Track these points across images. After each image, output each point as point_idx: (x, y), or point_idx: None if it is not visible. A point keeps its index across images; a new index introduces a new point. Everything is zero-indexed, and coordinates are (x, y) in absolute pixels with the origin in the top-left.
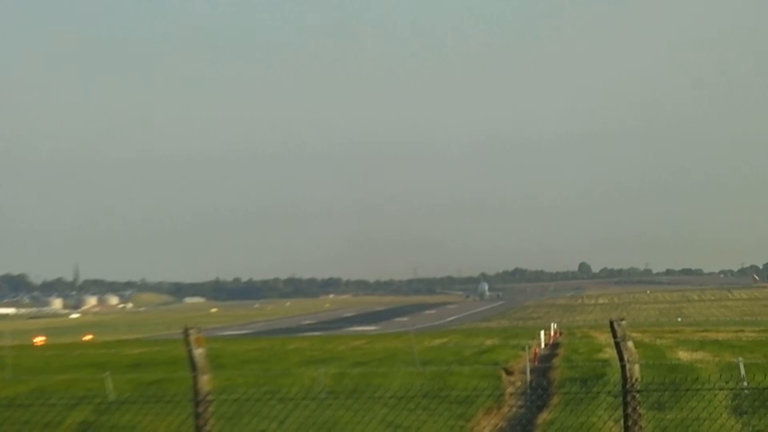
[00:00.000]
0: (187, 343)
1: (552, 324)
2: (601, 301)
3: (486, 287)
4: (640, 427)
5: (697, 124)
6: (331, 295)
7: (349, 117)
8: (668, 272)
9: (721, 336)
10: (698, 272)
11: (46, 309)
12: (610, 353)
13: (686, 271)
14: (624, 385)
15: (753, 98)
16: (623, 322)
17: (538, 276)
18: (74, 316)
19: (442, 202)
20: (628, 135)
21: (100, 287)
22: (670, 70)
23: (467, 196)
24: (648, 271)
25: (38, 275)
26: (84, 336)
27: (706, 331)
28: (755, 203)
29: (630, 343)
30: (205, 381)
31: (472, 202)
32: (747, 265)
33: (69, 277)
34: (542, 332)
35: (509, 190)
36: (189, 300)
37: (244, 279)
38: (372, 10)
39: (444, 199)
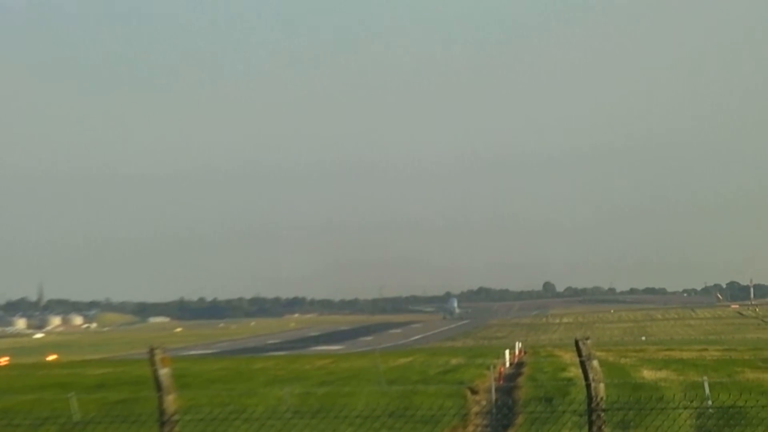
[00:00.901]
0: (152, 363)
1: (517, 343)
2: (565, 320)
3: (456, 304)
4: None
5: (662, 148)
6: (296, 315)
7: (314, 137)
8: (632, 291)
9: (685, 355)
10: (662, 291)
11: (9, 329)
12: (575, 372)
13: (650, 291)
14: (589, 404)
15: (724, 123)
16: (588, 341)
17: (503, 295)
18: (38, 336)
19: (407, 222)
20: (594, 157)
21: (65, 307)
22: (631, 96)
23: (432, 216)
24: (612, 291)
25: (2, 295)
26: (48, 356)
27: (669, 350)
28: (718, 223)
29: (595, 362)
30: (171, 401)
31: (437, 222)
32: (710, 284)
33: (33, 297)
34: (507, 351)
35: (474, 210)
36: (153, 320)
37: (209, 299)
38: (352, 28)
39: (409, 218)
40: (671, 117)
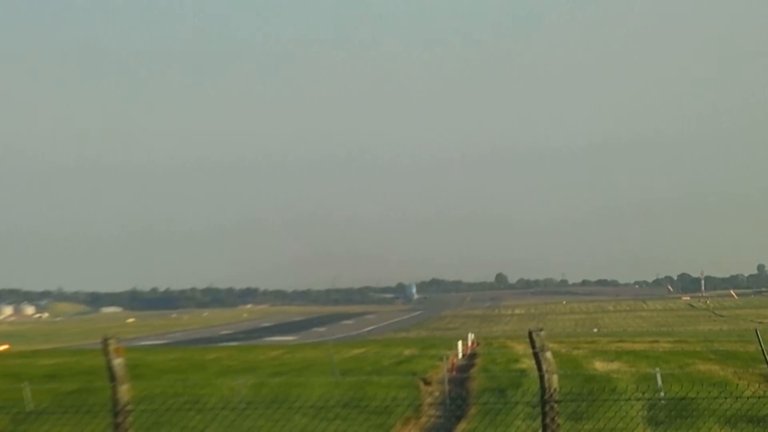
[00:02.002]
0: (106, 353)
1: (469, 334)
2: (517, 311)
3: (414, 290)
4: None
5: (613, 141)
6: (249, 305)
7: (274, 132)
8: (584, 283)
9: (636, 346)
10: (614, 283)
11: None
12: (528, 363)
13: (602, 282)
14: (542, 396)
15: (682, 121)
16: (542, 333)
17: (456, 286)
18: None
19: (361, 215)
20: (549, 154)
21: (16, 297)
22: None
23: (386, 210)
24: (564, 282)
25: None
26: None
27: (621, 341)
28: (670, 217)
29: (548, 354)
30: (125, 391)
31: (391, 216)
32: (662, 276)
33: None
34: (460, 342)
35: (426, 202)
36: (106, 310)
37: (162, 289)
38: (345, 22)
39: (363, 212)
40: (631, 115)
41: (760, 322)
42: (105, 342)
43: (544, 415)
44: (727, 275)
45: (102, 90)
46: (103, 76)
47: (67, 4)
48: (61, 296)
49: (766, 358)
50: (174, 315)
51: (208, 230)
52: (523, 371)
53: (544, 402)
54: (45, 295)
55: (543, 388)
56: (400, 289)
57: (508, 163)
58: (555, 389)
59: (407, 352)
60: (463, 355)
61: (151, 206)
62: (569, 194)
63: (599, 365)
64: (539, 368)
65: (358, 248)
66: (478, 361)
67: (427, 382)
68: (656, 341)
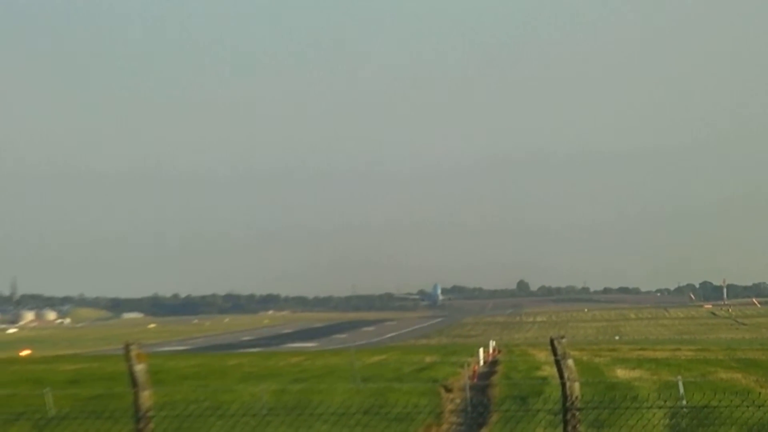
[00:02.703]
0: (128, 358)
1: (491, 341)
2: (539, 318)
3: (439, 291)
4: None
5: (636, 148)
6: (270, 312)
7: (292, 140)
8: (606, 291)
9: (658, 354)
10: (635, 291)
11: None
12: (549, 371)
13: (623, 290)
14: (564, 403)
15: (700, 129)
16: (563, 340)
17: (476, 293)
18: (11, 331)
19: (382, 222)
20: (571, 160)
21: (38, 302)
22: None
23: (406, 217)
24: (585, 290)
25: None
26: (21, 351)
27: (643, 349)
28: (692, 224)
29: (570, 361)
30: (146, 397)
31: (411, 222)
32: (684, 284)
33: (6, 292)
34: (481, 350)
35: (449, 211)
36: (127, 315)
37: (183, 294)
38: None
39: (384, 218)
40: (641, 124)
41: None
42: (127, 348)
43: (565, 422)
44: (750, 283)
45: (112, 93)
46: (111, 76)
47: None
48: (82, 302)
49: None
50: (195, 321)
51: (229, 237)
52: (544, 379)
53: (565, 410)
54: (67, 300)
55: (565, 396)
56: (422, 296)
57: (530, 169)
58: (577, 397)
59: (428, 358)
60: (485, 363)
61: (173, 212)
62: (592, 201)
63: (621, 373)
64: (561, 376)
65: (379, 255)
66: (500, 368)
67: (448, 389)
68: (678, 349)
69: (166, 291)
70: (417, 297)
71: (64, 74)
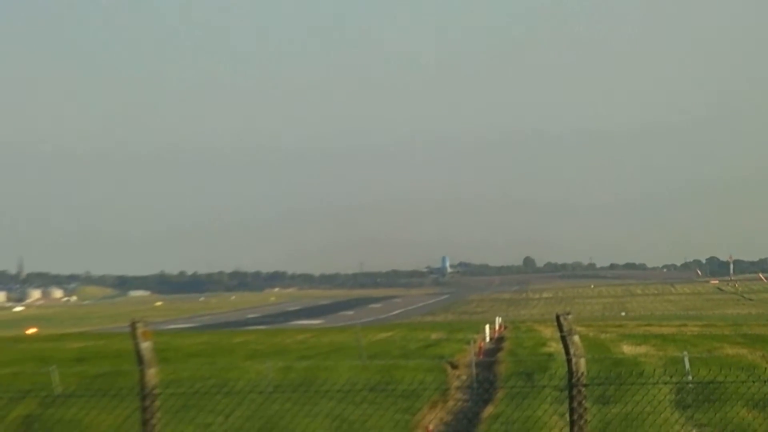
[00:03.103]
0: (134, 336)
1: (497, 318)
2: (545, 295)
3: (448, 263)
4: (586, 421)
5: (645, 127)
6: (276, 289)
7: (299, 121)
8: (612, 267)
9: (664, 330)
10: (642, 267)
11: None
12: (555, 347)
13: (630, 266)
14: (570, 380)
15: (703, 106)
16: (569, 317)
17: (483, 270)
18: (18, 309)
19: (388, 200)
20: (579, 134)
21: (45, 280)
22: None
23: (411, 193)
24: (592, 266)
25: None
26: (28, 329)
27: (649, 325)
28: (699, 199)
29: (576, 338)
30: (152, 374)
31: (416, 199)
32: (690, 259)
33: (13, 270)
34: (487, 326)
35: (453, 187)
36: (133, 293)
37: (189, 272)
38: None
39: (390, 196)
40: (648, 105)
41: None
42: (133, 325)
43: (571, 398)
44: (756, 259)
45: (124, 74)
46: (137, 57)
47: None
48: (89, 280)
49: None
50: (201, 298)
51: (236, 215)
52: (550, 355)
53: (571, 386)
54: (73, 278)
55: (570, 372)
56: (428, 272)
57: (536, 145)
58: (582, 373)
59: (434, 335)
60: (491, 339)
61: (179, 191)
62: (598, 178)
63: (627, 349)
64: (567, 352)
65: (385, 232)
66: (506, 344)
67: (454, 366)
68: (684, 325)
69: (172, 269)
70: (426, 269)
71: (82, 60)
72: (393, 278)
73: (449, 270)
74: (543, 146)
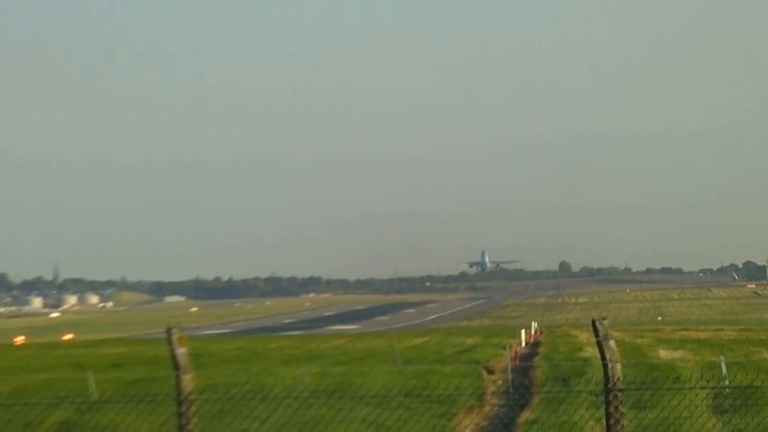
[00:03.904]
0: (169, 342)
1: (532, 323)
2: (581, 300)
3: (487, 258)
4: (622, 426)
5: (676, 132)
6: (312, 294)
7: (332, 134)
8: (648, 271)
9: (701, 335)
10: (678, 271)
11: (26, 308)
12: (591, 352)
13: (666, 270)
14: (606, 384)
15: (737, 114)
16: (605, 321)
17: (518, 275)
18: (54, 315)
19: (425, 207)
20: (608, 141)
21: (80, 286)
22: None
23: (449, 201)
24: (628, 270)
25: (18, 274)
26: (64, 335)
27: (686, 329)
28: (735, 203)
29: (612, 342)
30: (188, 380)
31: (452, 205)
32: (726, 263)
33: (49, 276)
34: (523, 331)
35: (490, 193)
36: (169, 299)
37: (225, 278)
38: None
39: (426, 203)
40: (685, 110)
41: None
42: (168, 331)
43: (607, 403)
44: None
45: (154, 96)
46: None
47: None
48: (124, 285)
49: None
50: (237, 304)
51: (271, 221)
52: (586, 360)
53: (607, 391)
54: (109, 284)
55: (606, 377)
56: (463, 278)
57: (571, 151)
58: (618, 378)
59: (470, 340)
60: (527, 344)
61: (213, 198)
62: (635, 182)
63: (663, 354)
64: (603, 357)
65: (421, 239)
66: (542, 349)
67: (490, 371)
68: (721, 329)
69: (207, 274)
70: (468, 263)
71: (116, 74)
72: (428, 283)
73: (489, 264)
74: (579, 152)
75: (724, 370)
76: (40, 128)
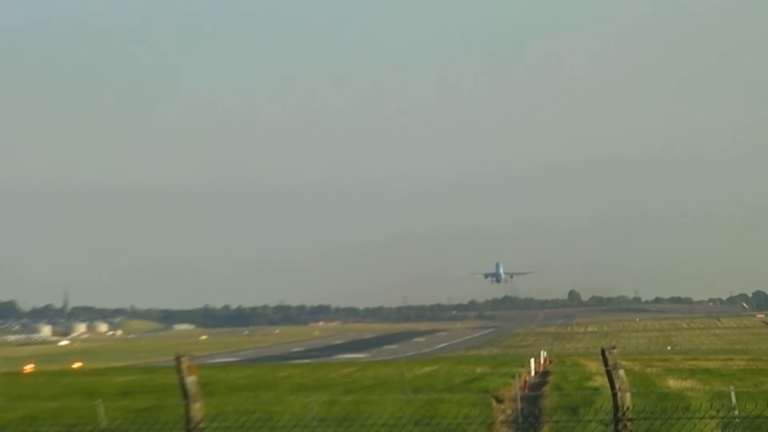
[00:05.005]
0: (179, 370)
1: (542, 352)
2: (590, 329)
3: (501, 269)
4: None
5: (687, 157)
6: (321, 323)
7: (334, 156)
8: (657, 300)
9: (710, 364)
10: (687, 300)
11: (35, 336)
12: (600, 381)
13: (675, 300)
14: (615, 414)
15: (747, 137)
16: (614, 351)
17: (528, 304)
18: (63, 343)
19: (431, 234)
20: (617, 165)
21: (90, 314)
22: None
23: (455, 228)
24: (637, 300)
25: (27, 302)
26: (73, 363)
27: (695, 359)
28: (744, 234)
29: (621, 372)
30: (198, 409)
31: (460, 233)
32: (736, 293)
33: (58, 304)
34: (532, 360)
35: (496, 219)
36: (178, 327)
37: (234, 306)
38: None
39: (432, 231)
40: (695, 129)
41: None
42: (178, 359)
43: None
44: None
45: (158, 115)
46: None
47: None
48: (133, 314)
49: None
50: (246, 332)
51: (280, 250)
52: (595, 389)
53: (617, 420)
54: (118, 312)
55: (616, 406)
56: (473, 306)
57: (574, 176)
58: (628, 407)
59: (479, 369)
60: (536, 373)
61: (223, 226)
62: (645, 208)
63: (673, 383)
64: (612, 386)
65: (430, 267)
66: (551, 378)
67: (499, 400)
68: (730, 359)
69: (216, 302)
70: (481, 275)
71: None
72: (437, 312)
73: (503, 275)
74: (584, 176)
75: (734, 400)
76: (46, 155)
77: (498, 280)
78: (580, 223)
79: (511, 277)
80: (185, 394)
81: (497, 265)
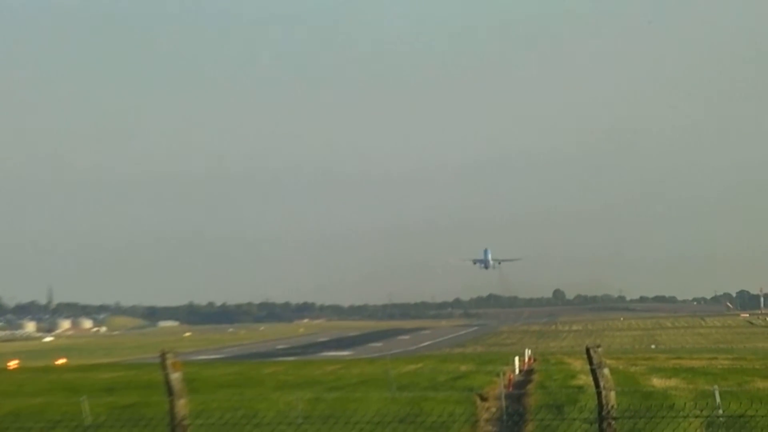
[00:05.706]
0: (163, 367)
1: (526, 350)
2: (575, 327)
3: (490, 256)
4: None
5: (674, 150)
6: (305, 320)
7: (320, 145)
8: (642, 299)
9: (695, 363)
10: (672, 300)
11: (19, 332)
12: (585, 380)
13: (660, 299)
14: (600, 412)
15: (729, 127)
16: (599, 349)
17: (512, 302)
18: (48, 339)
19: (416, 230)
20: (601, 157)
21: (74, 310)
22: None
23: (440, 223)
24: (622, 298)
25: (11, 298)
26: (57, 360)
27: (679, 358)
28: (729, 231)
29: (606, 370)
30: (182, 405)
31: (446, 228)
32: (720, 293)
33: (42, 300)
34: (516, 358)
35: (481, 214)
36: (163, 324)
37: (218, 303)
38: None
39: (418, 225)
40: (680, 122)
41: None
42: (163, 356)
43: (601, 431)
44: None
45: (153, 101)
46: (161, 88)
47: None
48: (118, 310)
49: None
50: (230, 329)
51: (264, 245)
52: (580, 387)
53: (601, 419)
54: (102, 309)
55: (600, 405)
56: (457, 304)
57: (562, 168)
58: (612, 406)
59: (464, 367)
60: (520, 371)
61: (209, 220)
62: (627, 208)
63: (657, 382)
64: (597, 385)
65: (415, 264)
66: (536, 377)
67: (483, 398)
68: (715, 358)
69: (201, 299)
70: (469, 260)
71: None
72: (422, 310)
73: (491, 262)
74: (572, 172)
75: (718, 399)
76: (32, 148)
77: (486, 267)
78: (565, 221)
79: (499, 263)
80: (170, 391)
81: (485, 251)
